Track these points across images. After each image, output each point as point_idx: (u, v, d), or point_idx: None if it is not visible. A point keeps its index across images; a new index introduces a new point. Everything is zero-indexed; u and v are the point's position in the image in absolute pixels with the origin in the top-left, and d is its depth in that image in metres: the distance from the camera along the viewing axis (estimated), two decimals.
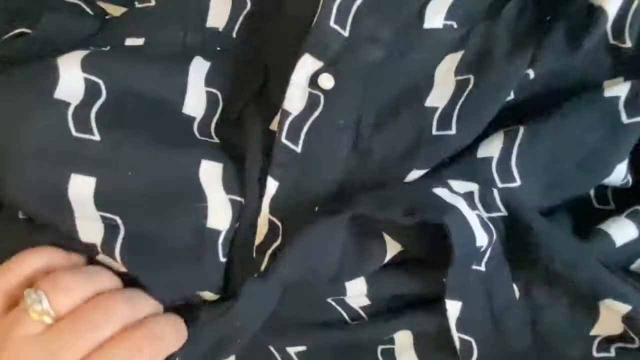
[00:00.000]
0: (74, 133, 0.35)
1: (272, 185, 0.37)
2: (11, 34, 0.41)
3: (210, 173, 0.37)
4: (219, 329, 0.36)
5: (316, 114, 0.37)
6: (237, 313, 0.35)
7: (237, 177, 0.38)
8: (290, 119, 0.37)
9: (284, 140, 0.37)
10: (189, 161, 0.37)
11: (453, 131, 0.37)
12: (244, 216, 0.37)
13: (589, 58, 0.37)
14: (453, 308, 0.35)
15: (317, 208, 0.37)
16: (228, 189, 0.37)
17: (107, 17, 0.42)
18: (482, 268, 0.35)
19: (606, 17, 0.36)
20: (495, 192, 0.36)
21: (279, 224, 0.37)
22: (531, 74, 0.37)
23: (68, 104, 0.36)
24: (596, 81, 0.37)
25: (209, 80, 0.40)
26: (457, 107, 0.37)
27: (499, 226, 0.36)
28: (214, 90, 0.40)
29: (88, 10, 0.42)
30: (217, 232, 0.37)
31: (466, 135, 0.37)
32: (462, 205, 0.34)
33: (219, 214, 0.37)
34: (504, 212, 0.36)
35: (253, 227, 0.37)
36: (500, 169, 0.36)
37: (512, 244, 0.36)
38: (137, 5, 0.42)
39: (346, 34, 0.38)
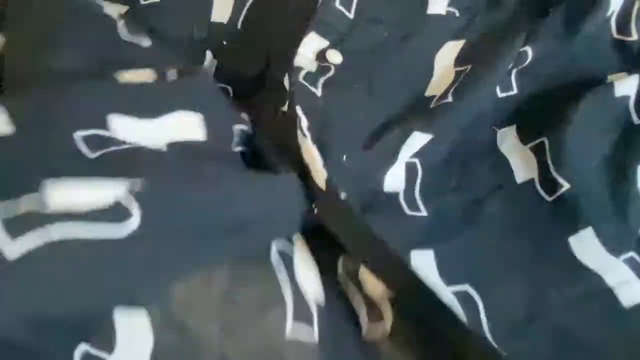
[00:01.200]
0: (126, 37, 0.36)
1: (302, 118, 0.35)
2: None
3: None
4: None
5: (329, 74, 0.38)
6: None
7: None
8: (303, 72, 0.37)
9: (301, 80, 0.36)
10: None
11: (449, 99, 0.37)
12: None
13: (593, 51, 0.38)
14: None
15: (344, 157, 0.36)
16: None
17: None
18: None
19: (607, 4, 0.36)
20: None
21: None
22: (529, 51, 0.37)
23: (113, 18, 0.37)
24: (602, 77, 0.38)
25: (217, 75, 0.40)
26: (454, 85, 0.37)
27: None
28: (223, 86, 0.40)
29: None
30: None
31: (463, 104, 0.37)
32: None
33: None
34: None
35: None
36: (546, 184, 0.36)
37: None
38: (142, 2, 0.42)
39: (351, 16, 0.39)
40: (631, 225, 0.34)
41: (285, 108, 0.37)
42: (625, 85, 0.36)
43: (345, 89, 0.38)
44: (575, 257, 0.33)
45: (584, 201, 0.34)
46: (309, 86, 0.37)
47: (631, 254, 0.33)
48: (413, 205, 0.36)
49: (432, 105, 0.37)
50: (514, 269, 0.33)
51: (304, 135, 0.34)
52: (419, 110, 0.37)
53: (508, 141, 0.37)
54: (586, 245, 0.33)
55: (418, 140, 0.36)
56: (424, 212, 0.36)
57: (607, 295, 0.32)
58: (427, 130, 0.36)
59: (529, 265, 0.33)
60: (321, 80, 0.37)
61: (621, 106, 0.36)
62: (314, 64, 0.38)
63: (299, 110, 0.35)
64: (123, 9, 0.42)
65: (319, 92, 0.37)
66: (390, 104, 0.38)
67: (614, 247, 0.33)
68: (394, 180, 0.36)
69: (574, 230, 0.33)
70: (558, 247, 0.34)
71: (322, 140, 0.34)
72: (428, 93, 0.39)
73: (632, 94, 0.36)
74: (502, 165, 0.37)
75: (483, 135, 0.38)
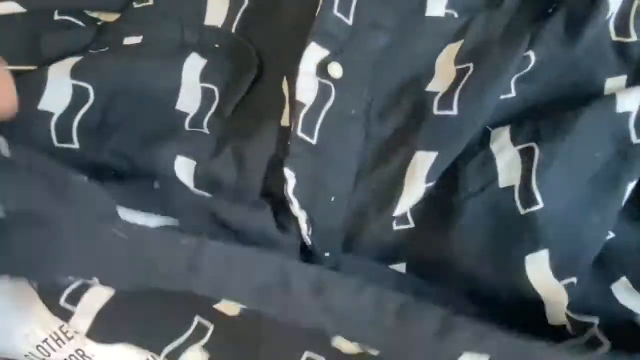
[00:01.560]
0: (56, 144, 0.37)
1: (290, 177, 0.36)
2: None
3: (183, 167, 0.38)
4: None
5: (329, 104, 0.37)
6: None
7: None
8: (304, 111, 0.36)
9: (299, 133, 0.36)
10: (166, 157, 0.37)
11: (455, 112, 0.36)
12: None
13: (592, 55, 0.37)
14: None
15: (333, 199, 0.36)
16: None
17: (99, 23, 0.42)
18: None
19: (607, 7, 0.36)
20: None
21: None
22: (532, 56, 0.37)
23: (52, 115, 0.37)
24: (601, 81, 0.37)
25: (205, 76, 0.40)
26: (458, 90, 0.37)
27: None
28: (211, 86, 0.40)
29: (80, 23, 0.42)
30: None
31: (468, 118, 0.36)
32: None
33: None
34: None
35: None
36: (523, 195, 0.35)
37: None
38: (136, 5, 0.42)
39: (350, 22, 0.38)
40: (586, 250, 0.34)
41: (286, 123, 0.37)
42: (628, 100, 0.35)
43: (343, 123, 0.37)
44: (528, 277, 0.33)
45: (552, 225, 0.33)
46: (305, 138, 0.36)
47: (573, 279, 0.33)
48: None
49: (435, 111, 0.37)
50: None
51: (290, 201, 0.35)
52: (420, 119, 0.37)
53: (500, 140, 0.37)
54: (537, 266, 0.33)
55: (421, 160, 0.36)
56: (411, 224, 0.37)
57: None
58: (431, 149, 0.36)
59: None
60: (319, 120, 0.37)
61: (621, 122, 0.35)
62: (316, 83, 0.37)
63: (287, 172, 0.35)
64: (114, 16, 0.42)
65: (314, 140, 0.36)
66: (390, 120, 0.38)
67: (561, 270, 0.33)
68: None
69: (533, 249, 0.33)
70: (512, 264, 0.33)
71: (310, 205, 0.36)
72: (430, 89, 0.38)
73: (635, 110, 0.35)
74: (490, 166, 0.36)
75: (476, 135, 0.37)
